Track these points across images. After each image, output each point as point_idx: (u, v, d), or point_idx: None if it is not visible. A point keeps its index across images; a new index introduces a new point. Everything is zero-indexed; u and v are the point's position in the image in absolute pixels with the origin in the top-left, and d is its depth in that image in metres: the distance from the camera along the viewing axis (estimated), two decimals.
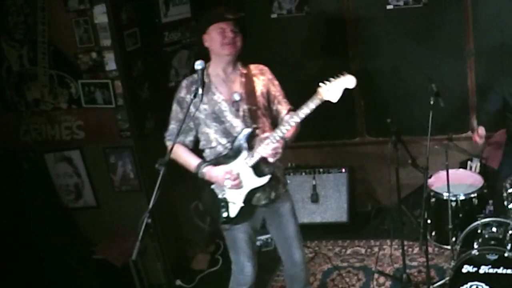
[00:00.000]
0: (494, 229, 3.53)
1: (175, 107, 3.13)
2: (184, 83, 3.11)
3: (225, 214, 3.12)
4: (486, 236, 3.51)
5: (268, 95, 3.15)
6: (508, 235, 3.43)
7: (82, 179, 4.26)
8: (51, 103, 4.13)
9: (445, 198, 3.85)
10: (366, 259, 4.43)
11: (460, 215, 3.88)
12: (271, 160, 3.00)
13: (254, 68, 3.16)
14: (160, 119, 4.26)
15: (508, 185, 3.58)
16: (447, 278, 3.66)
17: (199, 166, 3.07)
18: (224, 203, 3.11)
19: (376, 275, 4.17)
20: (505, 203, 3.57)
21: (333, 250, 4.60)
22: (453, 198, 3.87)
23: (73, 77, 4.04)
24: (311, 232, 4.51)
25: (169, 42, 4.36)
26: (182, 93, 3.09)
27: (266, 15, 4.82)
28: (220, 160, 3.07)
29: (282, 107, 3.18)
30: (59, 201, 4.32)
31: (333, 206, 4.86)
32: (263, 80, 3.14)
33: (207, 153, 3.15)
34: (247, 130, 3.03)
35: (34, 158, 4.24)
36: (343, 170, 4.89)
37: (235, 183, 3.02)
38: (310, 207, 4.88)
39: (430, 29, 4.55)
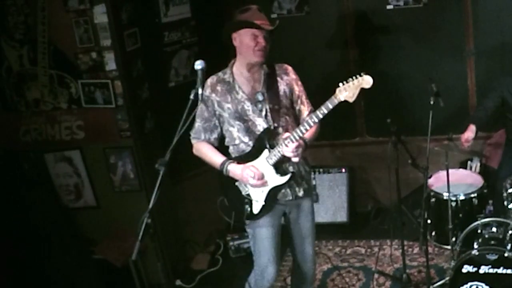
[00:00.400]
0: (494, 229, 3.53)
1: (200, 105, 3.07)
2: (209, 81, 3.11)
3: (248, 211, 3.15)
4: (486, 236, 3.51)
5: (291, 95, 3.16)
6: (508, 235, 3.43)
7: (82, 179, 4.26)
8: (51, 103, 4.14)
9: (445, 198, 3.85)
10: (366, 259, 4.43)
11: (460, 215, 3.89)
12: (295, 160, 3.03)
13: (278, 67, 3.17)
14: (160, 119, 4.28)
15: (508, 185, 3.58)
16: (447, 278, 3.67)
17: (223, 163, 3.09)
18: (248, 200, 3.14)
19: (376, 275, 4.17)
20: (505, 203, 3.57)
21: (333, 250, 4.60)
22: (453, 198, 3.87)
23: (73, 77, 4.05)
24: None
25: (169, 42, 4.36)
26: (207, 91, 3.09)
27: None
28: (243, 157, 3.11)
29: (305, 108, 3.20)
30: (59, 201, 4.32)
31: (333, 206, 4.86)
32: (286, 80, 3.15)
33: (231, 150, 3.18)
34: (268, 129, 3.05)
35: (34, 158, 4.24)
36: (343, 170, 4.89)
37: (259, 183, 3.05)
38: None
39: (430, 29, 4.55)
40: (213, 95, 3.09)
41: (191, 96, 2.78)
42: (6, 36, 4.05)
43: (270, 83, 3.10)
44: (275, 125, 3.08)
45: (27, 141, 4.23)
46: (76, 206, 4.34)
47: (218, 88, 3.09)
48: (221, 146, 3.21)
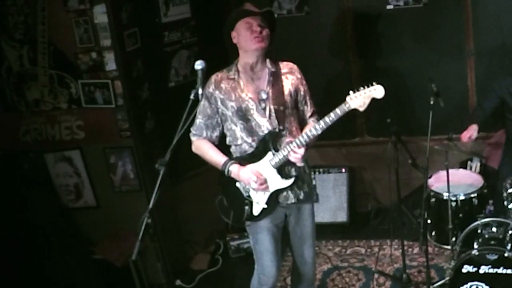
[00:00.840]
0: (494, 229, 3.53)
1: (203, 102, 3.07)
2: (214, 78, 3.09)
3: (248, 212, 3.13)
4: (486, 236, 3.51)
5: (296, 95, 3.14)
6: (508, 235, 3.43)
7: (82, 179, 4.26)
8: (51, 103, 4.13)
9: (445, 198, 3.85)
10: (366, 259, 4.43)
11: (460, 215, 3.89)
12: (300, 165, 3.03)
13: (283, 66, 3.14)
14: (160, 119, 4.28)
15: (508, 185, 3.58)
16: (447, 278, 3.67)
17: (225, 164, 3.07)
18: (248, 201, 3.13)
19: (376, 275, 4.17)
20: (505, 203, 3.57)
21: (333, 250, 4.60)
22: (453, 198, 3.87)
23: (73, 77, 4.04)
24: None
25: (169, 42, 4.36)
26: (211, 88, 3.07)
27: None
28: (245, 158, 3.08)
29: (308, 108, 3.19)
30: (59, 201, 4.32)
31: (333, 206, 4.86)
32: (292, 79, 3.12)
33: (233, 150, 3.16)
34: (274, 132, 3.04)
35: (34, 158, 4.24)
36: (343, 170, 4.89)
37: (262, 187, 3.04)
38: None
39: (430, 29, 4.55)
40: (217, 92, 3.06)
41: (191, 96, 2.77)
42: (6, 36, 4.05)
43: (275, 82, 3.07)
44: (280, 127, 3.05)
45: (27, 141, 4.23)
46: (76, 206, 4.34)
47: (223, 85, 3.06)
48: (221, 144, 3.19)
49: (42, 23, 3.95)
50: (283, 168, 3.07)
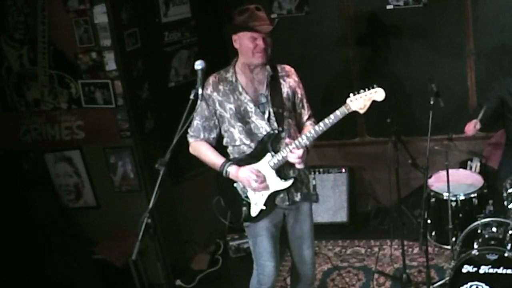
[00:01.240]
0: (494, 229, 3.53)
1: (200, 103, 3.02)
2: (211, 79, 3.08)
3: (245, 213, 3.13)
4: (486, 236, 3.51)
5: (294, 98, 3.15)
6: (508, 235, 3.43)
7: (82, 179, 4.26)
8: (51, 103, 4.14)
9: (445, 198, 3.85)
10: (366, 259, 4.43)
11: (460, 215, 3.88)
12: (299, 166, 3.03)
13: (281, 69, 3.15)
14: (160, 119, 4.28)
15: (508, 185, 3.58)
16: (447, 278, 3.67)
17: (223, 165, 3.07)
18: (245, 202, 3.13)
19: (376, 275, 4.17)
20: (505, 203, 3.57)
21: (333, 250, 4.60)
22: (453, 198, 3.87)
23: (73, 77, 4.04)
24: None
25: (169, 42, 4.36)
26: (209, 90, 3.06)
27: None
28: (243, 159, 3.08)
29: (305, 111, 3.20)
30: (59, 201, 4.32)
31: (333, 206, 4.86)
32: (289, 82, 3.13)
33: (231, 150, 3.15)
34: (273, 133, 3.03)
35: (34, 158, 4.24)
36: (343, 170, 4.89)
37: (261, 186, 3.03)
38: None
39: (430, 29, 4.55)
40: (215, 94, 3.05)
41: (191, 96, 2.78)
42: (6, 36, 4.05)
43: (274, 86, 3.07)
44: (280, 129, 3.05)
45: (27, 141, 4.23)
46: (76, 206, 4.34)
47: (221, 87, 3.05)
48: (218, 145, 3.19)
49: (42, 23, 3.95)
50: (281, 170, 3.07)
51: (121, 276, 4.14)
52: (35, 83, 4.10)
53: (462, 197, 3.90)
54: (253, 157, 3.07)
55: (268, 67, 3.08)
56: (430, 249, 4.02)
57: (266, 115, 3.06)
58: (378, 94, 2.89)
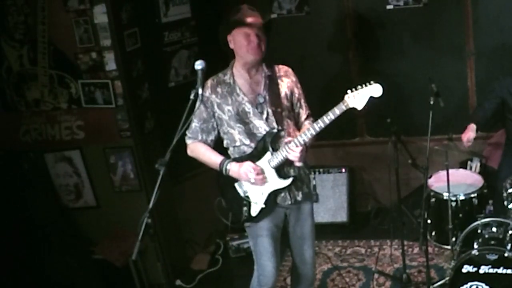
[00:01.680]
0: (494, 229, 3.53)
1: (199, 105, 3.04)
2: (209, 82, 3.09)
3: (246, 213, 3.14)
4: (486, 236, 3.51)
5: (292, 97, 3.16)
6: (508, 235, 3.43)
7: (82, 179, 4.26)
8: (51, 103, 4.14)
9: (445, 198, 3.85)
10: (366, 259, 4.43)
11: (460, 215, 3.88)
12: (298, 164, 3.04)
13: (279, 69, 3.16)
14: (160, 119, 4.28)
15: (508, 185, 3.58)
16: (447, 278, 3.66)
17: (222, 163, 3.08)
18: (246, 202, 3.13)
19: (376, 275, 4.17)
20: (505, 203, 3.57)
21: (333, 250, 4.60)
22: (453, 198, 3.87)
23: (73, 77, 4.05)
24: None
25: (169, 42, 4.37)
26: (207, 92, 3.07)
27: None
28: (244, 158, 3.08)
29: (303, 111, 3.21)
30: (59, 201, 4.32)
31: (333, 206, 4.86)
32: (287, 82, 3.14)
33: (231, 151, 3.16)
34: (272, 132, 3.04)
35: (34, 158, 4.24)
36: (343, 170, 4.89)
37: (259, 178, 3.03)
38: None
39: (430, 29, 4.55)
40: (213, 96, 3.07)
41: (191, 96, 2.78)
42: (6, 36, 4.05)
43: (271, 86, 3.08)
44: (279, 128, 3.07)
45: (27, 141, 4.23)
46: (76, 206, 4.34)
47: (219, 90, 3.07)
48: (217, 148, 3.18)
49: (42, 23, 3.95)
50: (281, 168, 3.08)
51: (121, 276, 4.14)
52: (35, 83, 4.10)
53: (462, 197, 3.90)
54: (254, 156, 3.07)
55: (265, 68, 3.10)
56: (430, 249, 4.02)
57: (264, 115, 3.06)
58: (375, 89, 2.89)
